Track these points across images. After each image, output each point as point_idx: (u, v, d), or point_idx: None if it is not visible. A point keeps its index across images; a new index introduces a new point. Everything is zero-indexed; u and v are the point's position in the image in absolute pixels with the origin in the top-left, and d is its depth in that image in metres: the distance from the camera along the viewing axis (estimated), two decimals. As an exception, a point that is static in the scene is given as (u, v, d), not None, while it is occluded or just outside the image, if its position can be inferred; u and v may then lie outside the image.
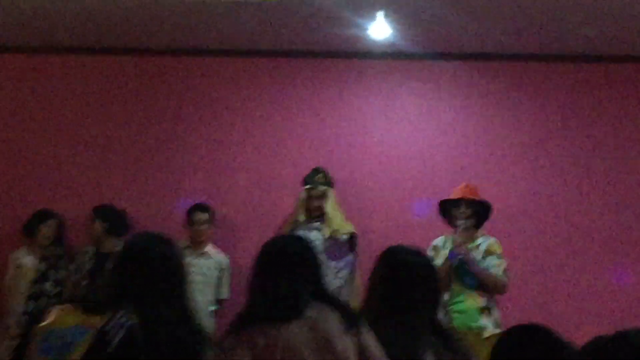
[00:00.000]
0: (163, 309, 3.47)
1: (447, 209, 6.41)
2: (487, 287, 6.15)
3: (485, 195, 6.47)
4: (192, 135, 7.84)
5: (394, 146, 7.68)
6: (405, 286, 3.48)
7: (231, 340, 3.39)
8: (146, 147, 7.85)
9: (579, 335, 6.51)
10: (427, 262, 3.66)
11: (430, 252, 6.30)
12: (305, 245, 3.71)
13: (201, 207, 7.29)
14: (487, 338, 5.91)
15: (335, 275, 6.94)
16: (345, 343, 3.45)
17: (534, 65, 7.75)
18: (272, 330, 3.39)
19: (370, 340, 3.46)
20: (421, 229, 7.34)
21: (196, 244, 7.23)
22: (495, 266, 6.19)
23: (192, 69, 7.94)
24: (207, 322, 7.08)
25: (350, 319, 3.49)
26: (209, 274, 7.20)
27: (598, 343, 2.38)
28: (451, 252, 6.16)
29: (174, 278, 3.61)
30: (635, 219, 7.48)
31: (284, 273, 3.53)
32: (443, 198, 6.49)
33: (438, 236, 6.44)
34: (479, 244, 6.29)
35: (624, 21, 6.81)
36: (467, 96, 7.74)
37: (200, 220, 7.24)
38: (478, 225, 6.38)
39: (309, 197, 7.12)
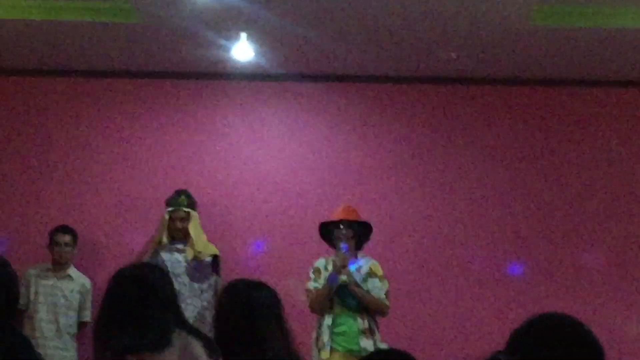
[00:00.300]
0: None
1: (327, 230, 6.39)
2: (370, 309, 6.17)
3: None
4: (55, 156, 7.70)
5: (259, 167, 7.69)
6: (250, 321, 3.52)
7: None
8: (8, 168, 7.67)
9: (462, 355, 6.72)
10: (269, 294, 3.72)
11: (311, 274, 6.32)
12: (164, 274, 3.75)
13: (64, 229, 7.18)
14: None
15: (198, 296, 6.94)
16: None
17: (397, 87, 7.85)
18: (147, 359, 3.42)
19: None
20: (285, 250, 7.40)
21: (59, 266, 7.13)
22: (377, 288, 6.22)
23: (56, 89, 7.80)
24: (69, 345, 6.98)
25: (212, 348, 3.54)
26: (72, 297, 7.10)
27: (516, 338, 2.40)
28: (332, 274, 6.17)
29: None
30: (508, 236, 7.64)
31: (150, 303, 3.54)
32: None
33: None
34: (361, 266, 6.30)
35: (485, 43, 7.00)
36: (332, 117, 7.80)
37: (63, 241, 7.13)
38: (359, 246, 6.40)
39: (172, 219, 7.11)
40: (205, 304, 6.96)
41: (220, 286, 7.14)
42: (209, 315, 6.95)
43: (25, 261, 7.25)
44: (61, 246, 7.11)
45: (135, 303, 3.51)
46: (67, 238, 7.14)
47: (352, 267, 6.20)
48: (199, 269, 7.02)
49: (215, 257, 7.13)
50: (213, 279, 7.08)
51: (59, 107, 7.80)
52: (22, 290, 7.05)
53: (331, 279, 6.14)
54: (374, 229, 6.38)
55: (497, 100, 7.86)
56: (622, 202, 7.67)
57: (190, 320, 6.72)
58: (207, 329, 6.85)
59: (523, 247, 7.61)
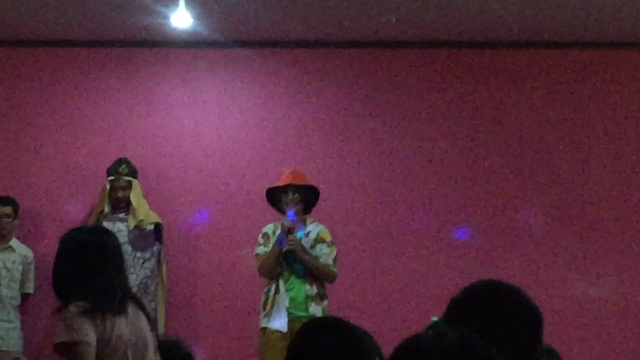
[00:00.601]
0: None
1: (274, 196, 6.39)
2: (317, 276, 6.20)
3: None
4: (-7, 126, 7.62)
5: (199, 135, 7.68)
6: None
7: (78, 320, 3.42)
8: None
9: (409, 319, 6.78)
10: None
11: (260, 239, 6.34)
12: (118, 240, 3.81)
13: (3, 200, 7.12)
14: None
15: (141, 265, 6.94)
16: (154, 343, 3.58)
17: (335, 52, 7.87)
18: (106, 322, 3.46)
19: None
20: (224, 217, 7.41)
21: (0, 237, 7.07)
22: (325, 254, 6.24)
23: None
24: (13, 317, 6.95)
25: (153, 322, 3.59)
26: (14, 268, 7.06)
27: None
28: (279, 236, 6.18)
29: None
30: (449, 204, 7.73)
31: (108, 267, 3.56)
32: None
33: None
34: (309, 232, 6.32)
35: (425, 6, 7.02)
36: (271, 83, 7.79)
37: (3, 213, 7.08)
38: (307, 210, 6.43)
39: (113, 188, 7.08)
40: (148, 272, 6.96)
41: (163, 255, 7.16)
42: (151, 284, 6.97)
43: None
44: (1, 217, 7.06)
45: (97, 266, 3.54)
46: (7, 210, 7.09)
47: (300, 234, 6.24)
48: (142, 237, 7.01)
49: (157, 226, 7.12)
50: (156, 247, 7.08)
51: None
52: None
53: (279, 241, 6.15)
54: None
55: (434, 62, 7.91)
56: (561, 161, 7.77)
57: (134, 289, 6.77)
58: (149, 299, 6.90)
59: (467, 210, 7.68)
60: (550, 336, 2.74)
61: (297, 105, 7.80)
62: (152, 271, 6.99)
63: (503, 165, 7.76)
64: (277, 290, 6.15)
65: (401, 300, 7.46)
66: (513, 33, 7.71)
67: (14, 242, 7.14)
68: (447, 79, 7.88)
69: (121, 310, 3.50)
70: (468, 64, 7.90)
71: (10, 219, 7.09)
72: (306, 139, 7.73)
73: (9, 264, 7.04)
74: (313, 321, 2.62)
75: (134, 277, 6.82)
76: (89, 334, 3.39)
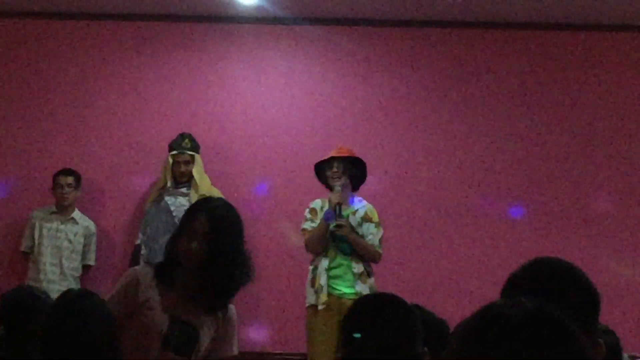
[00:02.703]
0: None
1: (322, 171, 6.34)
2: (362, 255, 6.13)
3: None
4: (59, 100, 7.67)
5: (261, 111, 7.66)
6: None
7: None
8: (12, 112, 7.64)
9: (462, 300, 6.73)
10: None
11: (307, 215, 6.28)
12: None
13: (66, 171, 7.17)
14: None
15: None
16: None
17: (401, 30, 7.80)
18: None
19: None
20: (285, 194, 7.39)
21: (62, 209, 7.13)
22: (372, 235, 6.17)
23: (58, 33, 7.75)
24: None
25: None
26: (75, 240, 7.12)
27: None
28: (327, 212, 6.11)
29: None
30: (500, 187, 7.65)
31: None
32: (310, 162, 6.49)
33: (304, 202, 6.45)
34: (357, 210, 6.26)
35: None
36: (335, 60, 7.75)
37: (65, 183, 7.12)
38: (355, 187, 6.36)
39: (176, 162, 7.07)
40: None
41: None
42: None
43: (30, 206, 7.30)
44: (63, 188, 7.11)
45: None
46: (69, 180, 7.14)
47: (346, 212, 6.17)
48: (203, 212, 6.99)
49: (219, 201, 7.11)
50: (216, 222, 7.06)
51: (62, 50, 7.75)
52: (27, 233, 7.12)
53: (327, 216, 6.08)
54: (376, 174, 6.34)
55: (502, 44, 7.80)
56: (627, 146, 7.63)
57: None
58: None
59: (526, 190, 7.58)
60: (612, 320, 2.66)
61: (360, 83, 7.75)
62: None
63: (569, 146, 7.63)
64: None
65: (455, 280, 7.39)
66: (586, 15, 7.57)
67: (77, 214, 7.20)
68: (515, 59, 7.77)
69: None
70: (539, 45, 7.78)
71: (71, 189, 7.14)
72: (368, 118, 7.68)
73: (70, 236, 7.11)
74: (367, 297, 2.62)
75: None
76: None
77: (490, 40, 7.80)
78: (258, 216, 7.43)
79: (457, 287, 7.31)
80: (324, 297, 6.03)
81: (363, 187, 6.44)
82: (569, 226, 7.52)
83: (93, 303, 3.04)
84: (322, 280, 6.07)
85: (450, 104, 7.72)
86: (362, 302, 2.61)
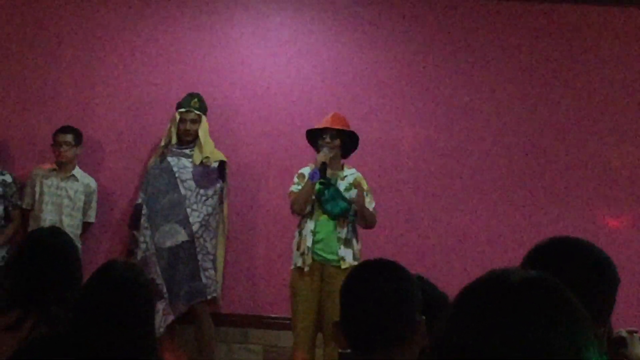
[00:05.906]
0: None
1: (314, 137, 6.35)
2: (362, 217, 6.13)
3: (353, 127, 6.46)
4: (64, 56, 7.63)
5: (265, 75, 7.62)
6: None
7: None
8: (16, 69, 7.61)
9: (442, 275, 6.73)
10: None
11: (295, 179, 6.29)
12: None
13: (65, 129, 7.13)
14: (346, 270, 5.77)
15: (203, 202, 6.93)
16: None
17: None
18: None
19: None
20: (288, 158, 7.37)
21: (62, 166, 7.11)
22: (367, 201, 6.17)
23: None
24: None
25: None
26: (76, 198, 7.11)
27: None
28: (312, 171, 6.11)
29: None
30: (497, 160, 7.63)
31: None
32: (314, 125, 6.49)
33: (305, 163, 6.43)
34: (345, 176, 6.28)
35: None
36: (342, 27, 7.72)
37: (63, 141, 7.08)
38: (345, 155, 6.37)
39: (182, 120, 7.02)
40: (210, 209, 6.95)
41: (225, 193, 7.15)
42: (212, 222, 6.96)
43: (32, 162, 7.29)
44: (61, 145, 7.07)
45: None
46: (67, 137, 7.09)
47: (335, 178, 6.19)
48: (206, 175, 6.98)
49: (222, 164, 7.09)
50: (219, 185, 7.06)
51: (69, 6, 7.70)
52: (28, 190, 7.11)
53: (312, 175, 6.07)
54: (375, 143, 6.32)
55: (506, 16, 7.75)
56: (635, 125, 7.61)
57: (196, 226, 6.79)
58: (211, 236, 6.91)
59: (535, 168, 7.57)
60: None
61: (366, 47, 7.70)
62: (214, 209, 6.97)
63: (577, 125, 7.61)
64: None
65: (462, 253, 7.38)
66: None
67: (77, 171, 7.18)
68: (529, 32, 7.72)
69: None
70: (542, 16, 7.72)
71: (69, 147, 7.09)
72: (377, 83, 7.64)
73: (71, 193, 7.09)
74: (368, 261, 2.63)
75: (197, 214, 6.83)
76: None
77: (493, 12, 7.75)
78: (260, 177, 7.44)
79: (464, 262, 7.29)
80: (309, 260, 6.05)
81: (361, 153, 6.42)
82: (568, 197, 7.51)
83: (137, 275, 2.90)
84: (308, 242, 6.08)
85: (454, 75, 7.67)
86: (363, 267, 2.61)
